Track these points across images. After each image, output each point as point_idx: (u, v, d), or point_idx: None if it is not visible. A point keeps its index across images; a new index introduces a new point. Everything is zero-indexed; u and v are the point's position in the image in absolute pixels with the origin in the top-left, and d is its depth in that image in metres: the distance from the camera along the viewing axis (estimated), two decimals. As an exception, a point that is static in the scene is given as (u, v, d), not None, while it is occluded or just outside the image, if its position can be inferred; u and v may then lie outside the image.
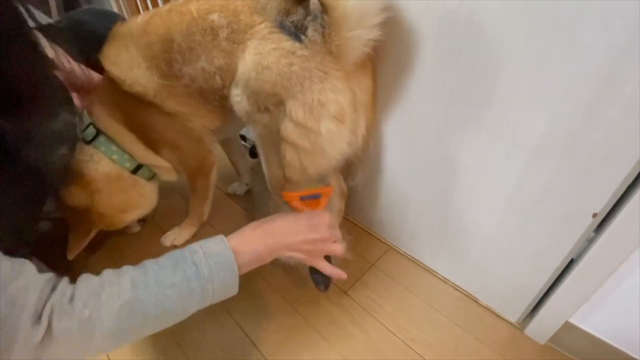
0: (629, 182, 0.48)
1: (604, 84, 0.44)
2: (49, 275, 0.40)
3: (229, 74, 0.62)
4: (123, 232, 0.92)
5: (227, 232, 0.54)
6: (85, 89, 0.78)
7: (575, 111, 0.47)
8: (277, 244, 0.55)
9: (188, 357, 0.69)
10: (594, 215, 0.52)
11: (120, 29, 0.69)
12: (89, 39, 0.76)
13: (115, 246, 0.92)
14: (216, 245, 0.49)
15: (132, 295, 0.41)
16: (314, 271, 0.67)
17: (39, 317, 0.37)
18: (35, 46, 0.50)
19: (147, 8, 1.34)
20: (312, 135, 0.60)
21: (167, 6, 0.66)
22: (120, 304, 0.40)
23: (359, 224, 0.95)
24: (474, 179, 0.64)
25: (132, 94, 0.69)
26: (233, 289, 0.50)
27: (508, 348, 0.68)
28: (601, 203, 0.51)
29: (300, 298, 0.77)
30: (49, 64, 0.59)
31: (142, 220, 0.95)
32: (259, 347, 0.69)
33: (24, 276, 0.37)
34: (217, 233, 0.53)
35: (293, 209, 0.63)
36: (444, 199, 0.71)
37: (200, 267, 0.46)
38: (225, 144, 0.99)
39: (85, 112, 0.76)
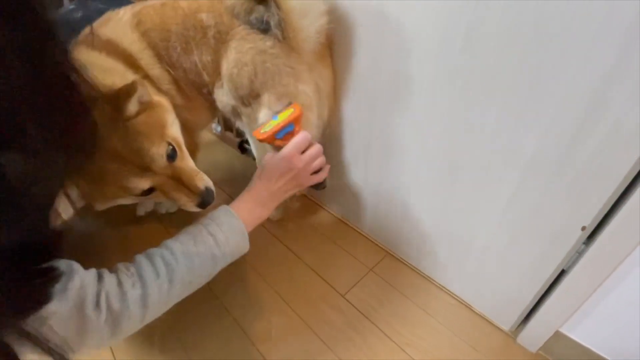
0: (617, 196, 0.49)
1: (590, 107, 0.46)
2: (92, 270, 0.46)
3: (214, 70, 0.68)
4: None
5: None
6: None
7: (563, 133, 0.49)
8: (265, 199, 0.62)
9: (189, 355, 0.71)
10: (583, 228, 0.54)
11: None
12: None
13: (126, 243, 0.96)
14: (225, 216, 0.57)
15: (167, 270, 0.49)
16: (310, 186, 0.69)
17: (97, 305, 0.43)
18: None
19: None
20: None
21: (159, 1, 0.68)
22: (161, 279, 0.48)
23: (358, 229, 0.97)
24: (470, 193, 0.66)
25: None
26: (244, 248, 0.59)
27: (500, 356, 0.70)
28: (590, 217, 0.53)
29: (299, 299, 0.80)
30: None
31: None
32: (257, 347, 0.71)
33: (77, 274, 0.42)
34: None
35: (276, 148, 0.65)
36: (441, 210, 0.73)
37: (217, 236, 0.54)
38: None
39: None
